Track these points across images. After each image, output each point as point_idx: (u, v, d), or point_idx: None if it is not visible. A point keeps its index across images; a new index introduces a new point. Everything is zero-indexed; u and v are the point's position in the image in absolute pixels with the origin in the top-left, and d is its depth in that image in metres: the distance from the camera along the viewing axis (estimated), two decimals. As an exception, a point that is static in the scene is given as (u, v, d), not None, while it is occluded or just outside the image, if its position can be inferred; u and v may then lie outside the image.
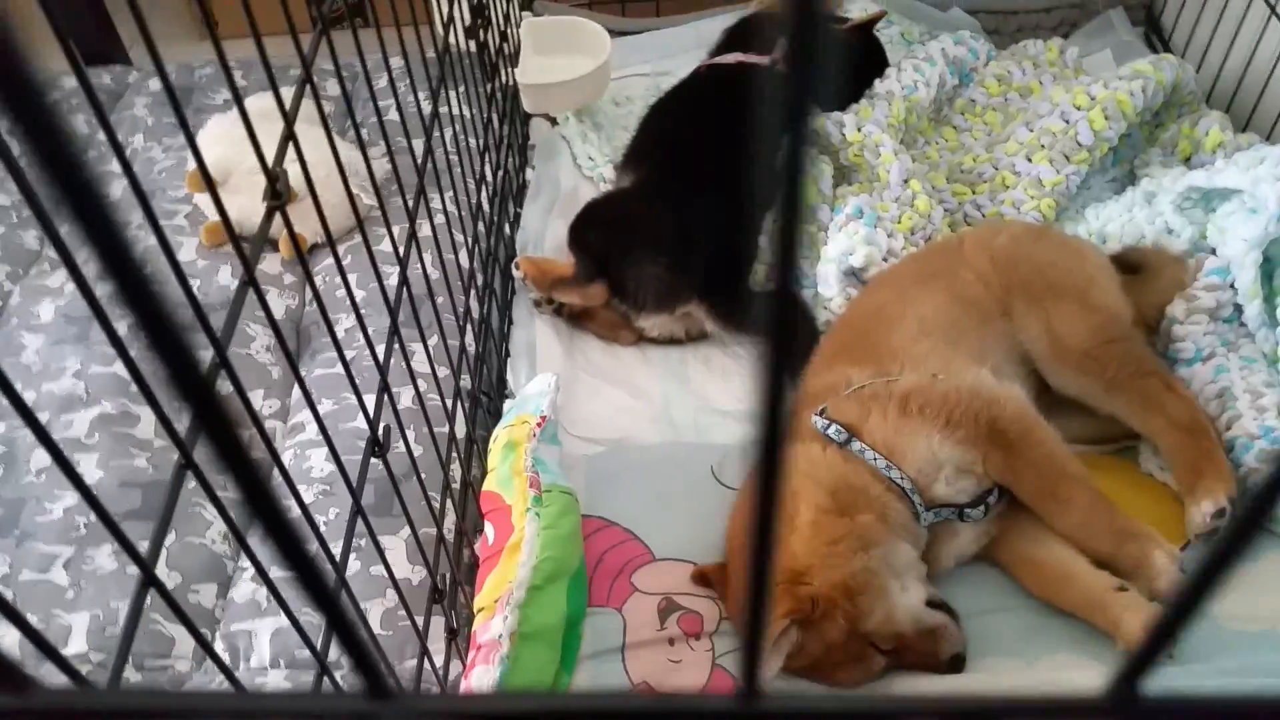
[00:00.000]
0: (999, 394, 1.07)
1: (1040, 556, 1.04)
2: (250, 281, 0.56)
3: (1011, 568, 1.07)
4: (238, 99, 0.57)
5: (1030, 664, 0.96)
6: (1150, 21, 1.92)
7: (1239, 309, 1.23)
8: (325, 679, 0.66)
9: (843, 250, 1.38)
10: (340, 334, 1.55)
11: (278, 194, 0.57)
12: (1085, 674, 0.94)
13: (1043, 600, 1.03)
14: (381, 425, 0.75)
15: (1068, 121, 1.49)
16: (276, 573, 1.19)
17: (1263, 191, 1.20)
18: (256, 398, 1.45)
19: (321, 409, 1.41)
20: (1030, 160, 1.50)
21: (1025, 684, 0.95)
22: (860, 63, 1.70)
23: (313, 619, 1.13)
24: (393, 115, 1.78)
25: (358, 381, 1.42)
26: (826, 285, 1.39)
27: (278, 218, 0.60)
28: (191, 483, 1.33)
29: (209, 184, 0.57)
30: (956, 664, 0.97)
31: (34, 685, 0.24)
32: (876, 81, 1.66)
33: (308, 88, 0.68)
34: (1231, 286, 1.23)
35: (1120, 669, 0.25)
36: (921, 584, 0.99)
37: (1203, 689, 0.23)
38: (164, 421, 0.49)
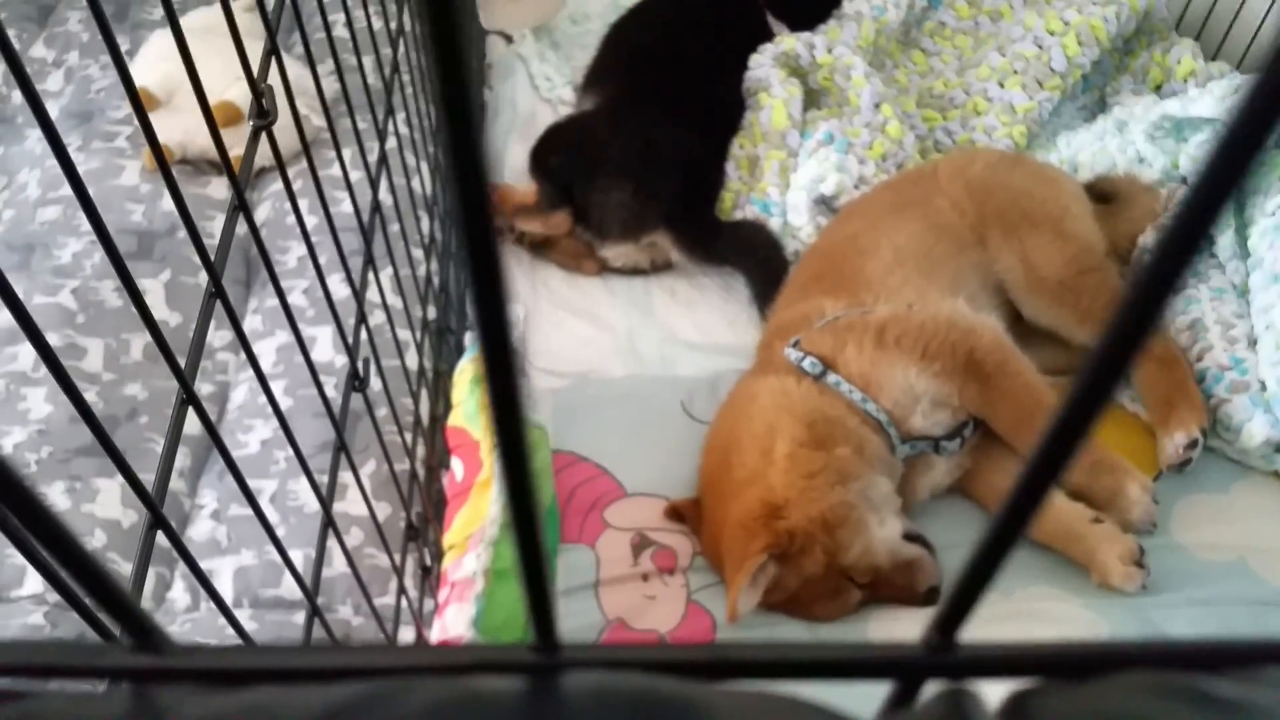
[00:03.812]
0: (975, 325, 1.06)
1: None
2: (241, 205, 0.51)
3: (986, 500, 1.07)
4: (172, 18, 0.52)
5: (1006, 596, 0.97)
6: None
7: (1210, 240, 1.23)
8: (316, 619, 0.64)
9: (813, 177, 1.35)
10: (292, 263, 1.49)
11: (264, 112, 0.52)
12: (1061, 605, 0.95)
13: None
14: (361, 358, 0.71)
15: (1041, 47, 1.46)
16: (235, 510, 1.16)
17: (1238, 120, 1.18)
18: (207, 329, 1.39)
19: (276, 341, 1.36)
20: (1002, 86, 1.47)
21: (1002, 613, 0.95)
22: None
23: (275, 559, 1.10)
24: (340, 31, 1.69)
25: (312, 314, 1.39)
26: (796, 213, 1.37)
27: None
28: (144, 417, 1.29)
29: (139, 112, 0.51)
30: (932, 597, 0.97)
31: (173, 644, 0.23)
32: (845, 1, 1.62)
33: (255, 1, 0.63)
34: (1203, 217, 1.23)
35: (936, 618, 0.24)
36: (898, 517, 0.99)
37: (1014, 640, 0.23)
38: (168, 356, 0.45)
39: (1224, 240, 1.20)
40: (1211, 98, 1.27)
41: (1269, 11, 1.47)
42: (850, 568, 0.94)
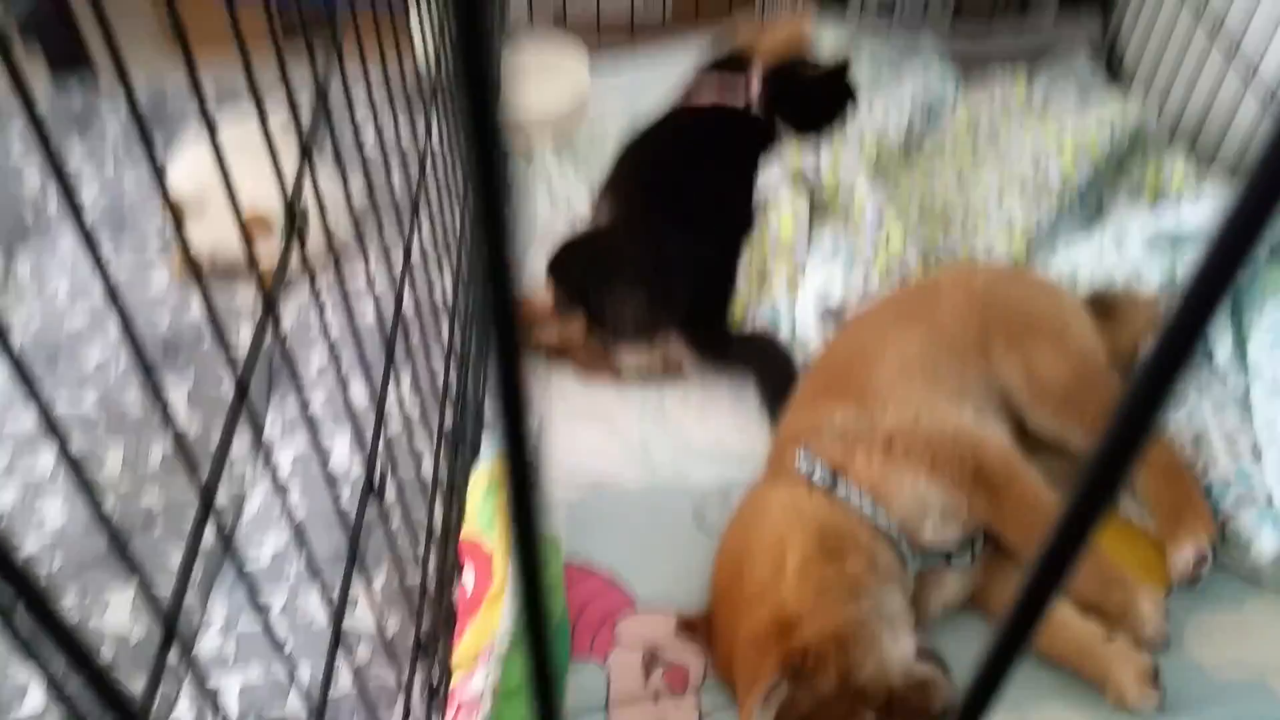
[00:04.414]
0: (982, 437, 1.07)
1: (1026, 603, 1.04)
2: (272, 316, 0.53)
3: (999, 616, 1.06)
4: (210, 126, 0.55)
5: (1023, 715, 0.95)
6: (1112, 63, 1.95)
7: (1210, 354, 1.25)
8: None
9: (820, 289, 1.38)
10: (311, 372, 1.52)
11: (296, 227, 0.55)
12: (1075, 725, 0.93)
13: (1031, 649, 1.02)
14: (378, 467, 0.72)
15: (1037, 164, 1.51)
16: (244, 625, 1.16)
17: (1235, 237, 1.21)
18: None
19: (294, 449, 1.37)
20: (1001, 202, 1.51)
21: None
22: (832, 104, 1.71)
23: (281, 678, 1.10)
24: (369, 151, 1.75)
25: (331, 422, 1.41)
26: (805, 324, 1.39)
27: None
28: (159, 529, 1.30)
29: (175, 220, 0.53)
30: (947, 718, 0.95)
31: None
32: (848, 122, 1.68)
33: (288, 114, 0.67)
34: (1204, 330, 1.25)
35: None
36: (911, 633, 0.98)
37: None
38: (189, 466, 0.47)
39: (1223, 354, 1.22)
40: (1206, 209, 1.31)
41: (1257, 129, 1.52)
42: (864, 688, 0.93)
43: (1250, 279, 1.23)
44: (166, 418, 0.51)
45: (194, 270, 0.53)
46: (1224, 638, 1.01)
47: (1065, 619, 1.00)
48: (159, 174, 0.50)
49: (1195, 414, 1.18)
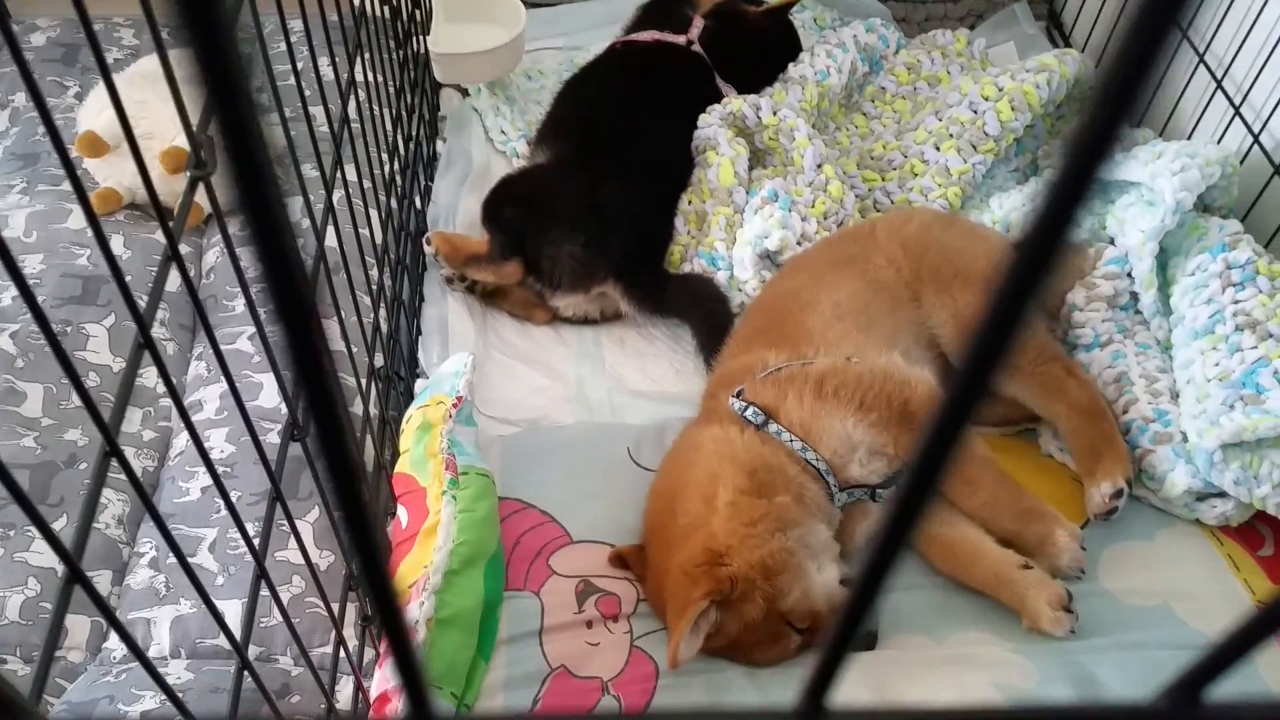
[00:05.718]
0: (910, 377, 1.10)
1: (949, 535, 1.07)
2: (176, 257, 0.52)
3: (921, 546, 1.09)
4: (103, 68, 0.53)
5: (939, 641, 0.99)
6: (1052, 16, 1.98)
7: (1135, 297, 1.29)
8: (245, 672, 0.64)
9: (758, 233, 1.39)
10: (240, 308, 1.48)
11: (202, 162, 0.53)
12: (991, 649, 0.97)
13: (951, 578, 1.06)
14: (301, 407, 0.71)
15: (975, 112, 1.52)
16: (174, 558, 1.14)
17: (1160, 185, 1.25)
18: (150, 375, 1.38)
19: (221, 386, 1.35)
20: (938, 149, 1.53)
21: (935, 658, 0.98)
22: (775, 46, 1.71)
23: (225, 609, 1.09)
24: (292, 81, 1.70)
25: (258, 360, 1.38)
26: (742, 268, 1.40)
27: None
28: (84, 464, 1.27)
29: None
30: (869, 641, 0.99)
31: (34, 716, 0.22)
32: (790, 65, 1.68)
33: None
34: (1129, 275, 1.29)
35: (807, 683, 0.25)
36: (836, 563, 1.01)
37: (885, 704, 0.23)
38: (89, 405, 0.46)
39: (1148, 298, 1.25)
40: (1136, 162, 1.34)
41: (1188, 84, 1.56)
42: (789, 613, 0.96)
43: (1178, 227, 1.26)
44: (63, 359, 0.49)
45: (90, 212, 0.51)
46: (1134, 566, 1.06)
47: (984, 549, 1.04)
48: (51, 127, 0.47)
49: (1119, 355, 1.21)
